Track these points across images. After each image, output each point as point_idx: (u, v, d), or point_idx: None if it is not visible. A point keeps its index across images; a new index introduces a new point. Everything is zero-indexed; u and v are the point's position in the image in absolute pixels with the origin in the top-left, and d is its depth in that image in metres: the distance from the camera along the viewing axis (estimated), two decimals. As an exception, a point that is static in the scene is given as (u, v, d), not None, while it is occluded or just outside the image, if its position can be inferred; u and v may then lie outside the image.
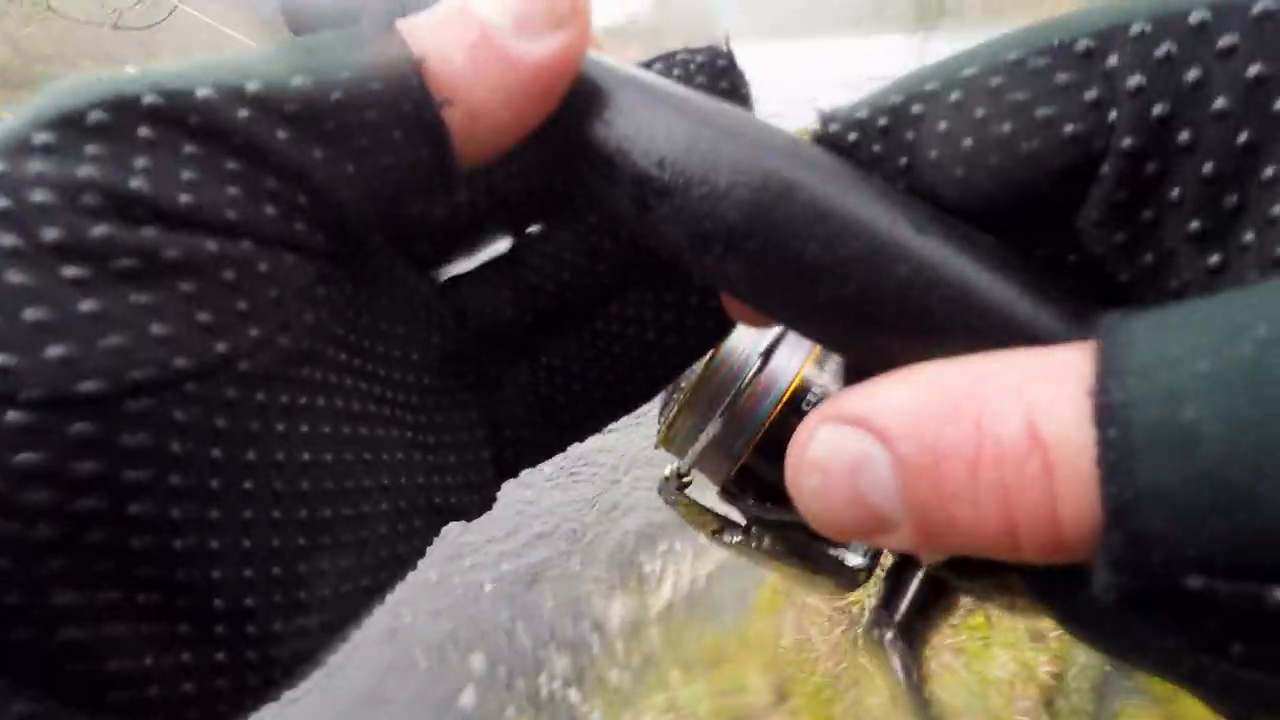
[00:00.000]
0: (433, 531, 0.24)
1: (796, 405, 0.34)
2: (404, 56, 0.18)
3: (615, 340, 0.25)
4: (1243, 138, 0.15)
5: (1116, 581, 0.13)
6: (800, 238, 0.18)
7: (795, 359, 0.34)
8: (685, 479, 0.35)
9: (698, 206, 0.18)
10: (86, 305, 0.15)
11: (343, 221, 0.19)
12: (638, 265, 0.25)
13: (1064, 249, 0.19)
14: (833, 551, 0.34)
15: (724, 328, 0.27)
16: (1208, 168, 0.16)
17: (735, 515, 0.34)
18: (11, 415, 0.14)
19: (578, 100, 0.20)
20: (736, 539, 0.35)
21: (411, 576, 0.24)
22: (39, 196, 0.15)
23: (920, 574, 0.31)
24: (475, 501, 0.25)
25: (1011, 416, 0.14)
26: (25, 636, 0.15)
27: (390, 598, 0.24)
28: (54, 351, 0.14)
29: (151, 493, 0.16)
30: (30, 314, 0.14)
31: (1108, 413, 0.13)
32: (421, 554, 0.24)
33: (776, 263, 0.18)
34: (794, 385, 0.34)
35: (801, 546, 0.35)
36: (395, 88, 0.18)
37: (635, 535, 3.13)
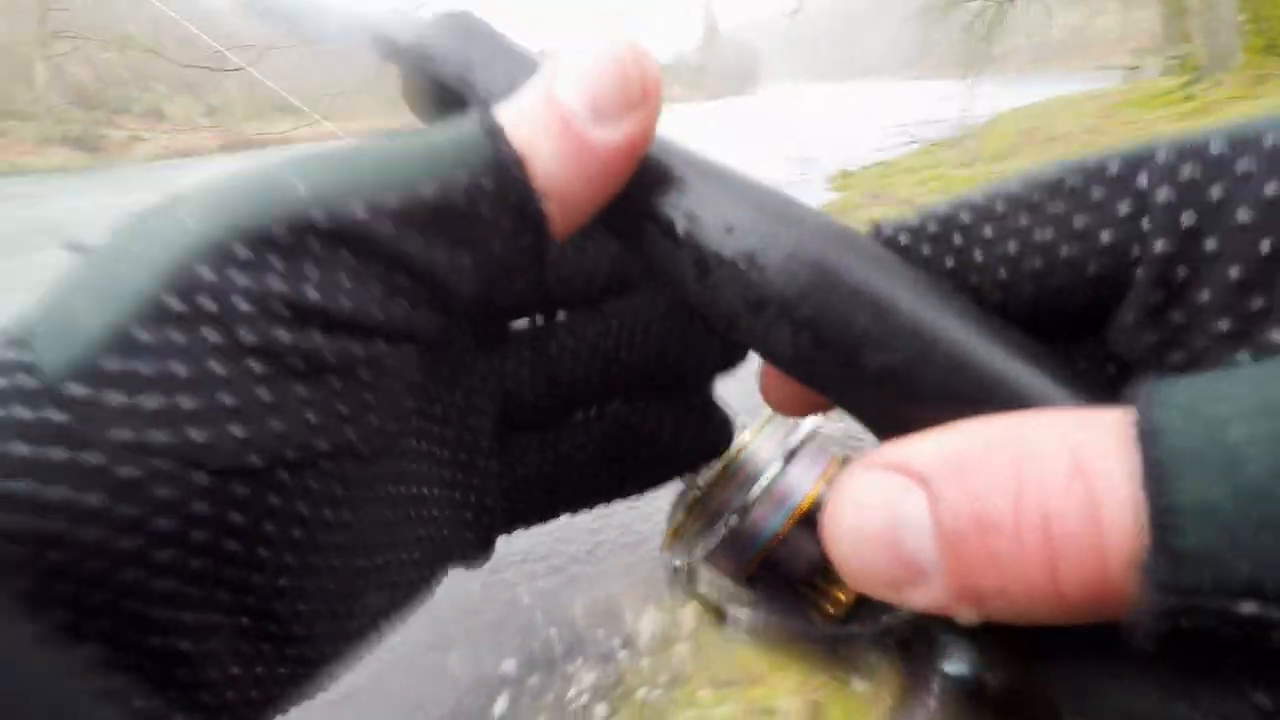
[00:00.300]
0: (444, 574, 0.26)
1: (810, 521, 0.33)
2: (510, 157, 0.20)
3: (622, 433, 0.27)
4: (1265, 247, 0.16)
5: (1163, 607, 0.13)
6: (852, 307, 0.19)
7: (811, 475, 0.33)
8: (693, 575, 0.35)
9: (757, 274, 0.20)
10: (264, 396, 0.18)
11: (453, 308, 0.22)
12: (654, 371, 0.27)
13: (1097, 358, 0.20)
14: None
15: (728, 438, 0.29)
16: (1235, 273, 0.17)
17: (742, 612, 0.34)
18: (198, 477, 0.17)
19: (647, 173, 0.22)
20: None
21: (453, 587, 0.26)
22: (241, 305, 0.18)
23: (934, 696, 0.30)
24: (483, 553, 0.28)
25: (1053, 451, 0.15)
26: (154, 645, 0.18)
27: (431, 609, 0.25)
28: (236, 431, 0.18)
29: (274, 543, 0.19)
30: (222, 399, 0.18)
31: (1150, 437, 0.14)
32: (433, 592, 0.26)
33: (828, 328, 0.19)
34: (811, 499, 0.33)
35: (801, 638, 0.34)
36: (504, 186, 0.20)
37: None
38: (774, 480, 0.33)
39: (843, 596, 0.32)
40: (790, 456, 0.33)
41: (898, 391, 0.19)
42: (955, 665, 0.29)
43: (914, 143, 14.56)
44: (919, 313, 0.19)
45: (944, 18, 12.07)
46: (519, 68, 0.24)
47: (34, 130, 34.81)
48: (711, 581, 0.35)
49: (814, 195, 11.75)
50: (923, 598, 0.16)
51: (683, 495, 0.35)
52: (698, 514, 0.34)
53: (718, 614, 0.36)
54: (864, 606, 0.31)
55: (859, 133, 20.42)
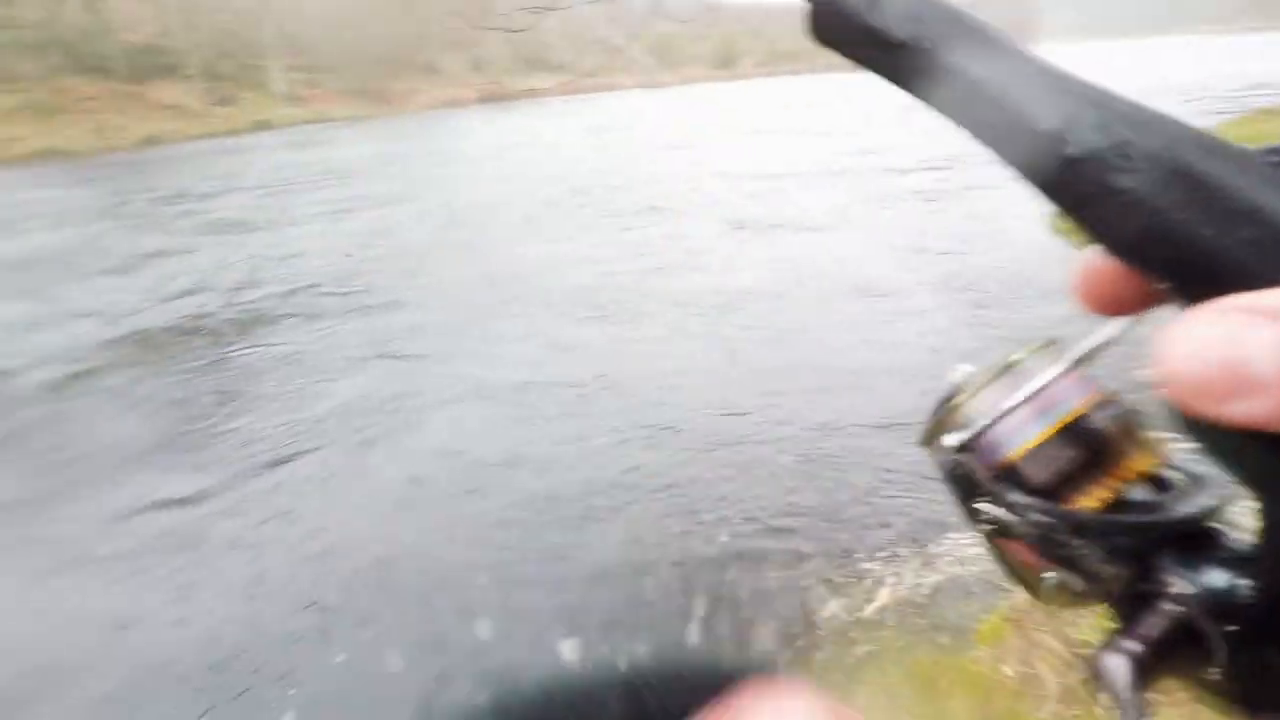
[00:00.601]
0: None
1: (1072, 431, 0.33)
2: None
3: None
4: None
5: None
6: (1205, 195, 0.24)
7: (1080, 391, 0.33)
8: (965, 449, 0.34)
9: (1125, 163, 0.25)
10: None
11: None
12: None
13: None
14: (1048, 576, 0.33)
15: None
16: None
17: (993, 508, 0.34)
18: None
19: None
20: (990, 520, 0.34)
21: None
22: None
23: (1169, 612, 0.29)
24: None
25: None
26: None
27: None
28: None
29: None
30: None
31: None
32: None
33: (1180, 211, 0.24)
34: (1076, 412, 0.33)
35: (1026, 559, 0.33)
36: None
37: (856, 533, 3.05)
38: (1040, 389, 0.33)
39: (1098, 497, 0.32)
40: (1065, 370, 0.34)
41: (1234, 271, 0.23)
42: (1212, 576, 0.29)
43: (1228, 112, 12.26)
44: (1264, 200, 0.23)
45: None
46: (919, 2, 0.30)
47: (338, 82, 40.92)
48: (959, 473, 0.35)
49: None
50: (1251, 408, 0.19)
51: (948, 393, 0.36)
52: (992, 387, 0.35)
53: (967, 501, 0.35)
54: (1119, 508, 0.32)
55: (1154, 96, 17.43)
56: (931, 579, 2.74)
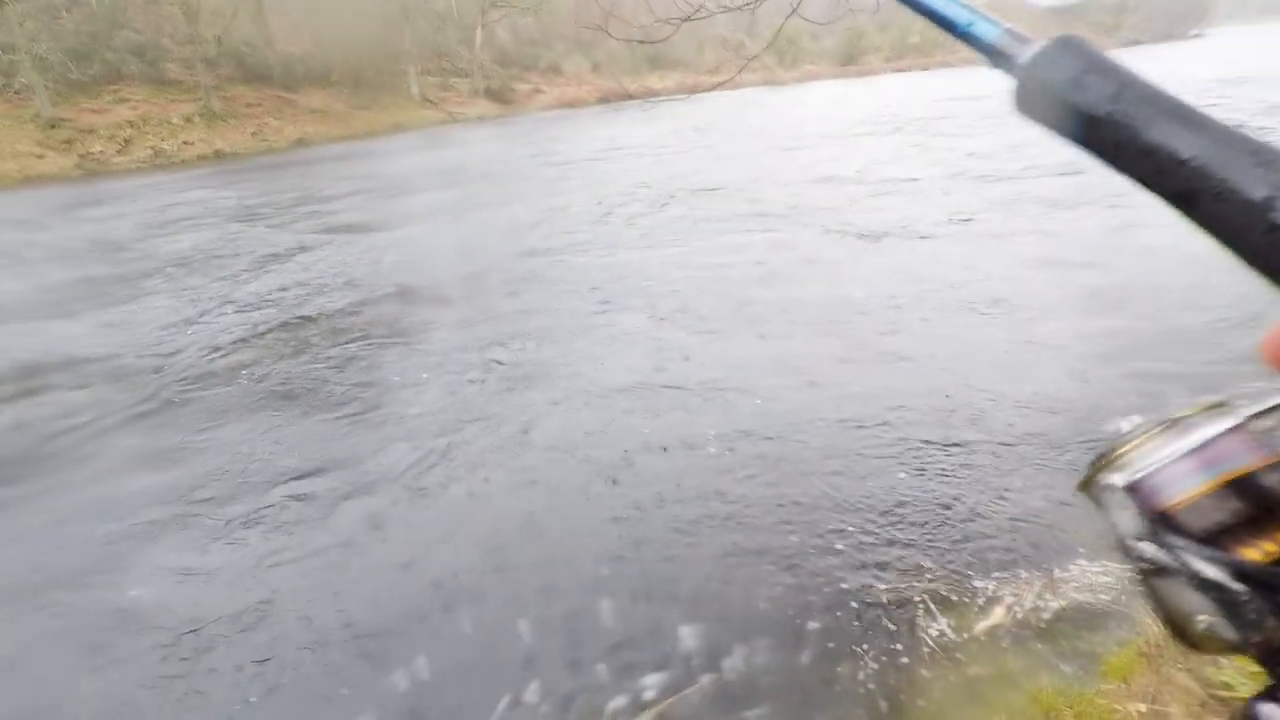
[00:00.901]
0: None
1: (1239, 487, 0.34)
2: None
3: None
4: None
5: None
6: None
7: (1252, 453, 0.34)
8: (1120, 493, 0.35)
9: None
10: None
11: None
12: None
13: None
14: (1205, 620, 0.33)
15: None
16: None
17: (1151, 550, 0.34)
18: None
19: None
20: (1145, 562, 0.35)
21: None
22: None
23: None
24: None
25: None
26: None
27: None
28: None
29: None
30: None
31: None
32: None
33: None
34: (1245, 470, 0.34)
35: (1182, 602, 0.34)
36: None
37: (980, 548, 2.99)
38: (1207, 442, 0.34)
39: (1264, 551, 0.33)
40: (1236, 427, 0.35)
41: None
42: None
43: None
44: None
45: None
46: (1120, 83, 0.33)
47: (468, 85, 42.95)
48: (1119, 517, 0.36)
49: None
50: None
51: (1116, 440, 0.37)
52: (1165, 435, 0.36)
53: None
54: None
55: (1340, 86, 15.39)
56: (1055, 604, 2.66)
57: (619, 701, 2.38)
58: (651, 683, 2.44)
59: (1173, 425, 0.36)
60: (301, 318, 6.91)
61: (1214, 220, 0.31)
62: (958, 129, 15.82)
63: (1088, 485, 0.38)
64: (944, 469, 3.60)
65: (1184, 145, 0.31)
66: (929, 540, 3.09)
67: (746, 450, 3.93)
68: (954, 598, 2.75)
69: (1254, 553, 0.33)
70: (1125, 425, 0.38)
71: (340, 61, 36.74)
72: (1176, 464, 0.35)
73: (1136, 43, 65.71)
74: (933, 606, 2.70)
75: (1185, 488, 0.34)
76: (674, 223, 9.69)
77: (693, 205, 10.65)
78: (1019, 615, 2.64)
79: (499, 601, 2.95)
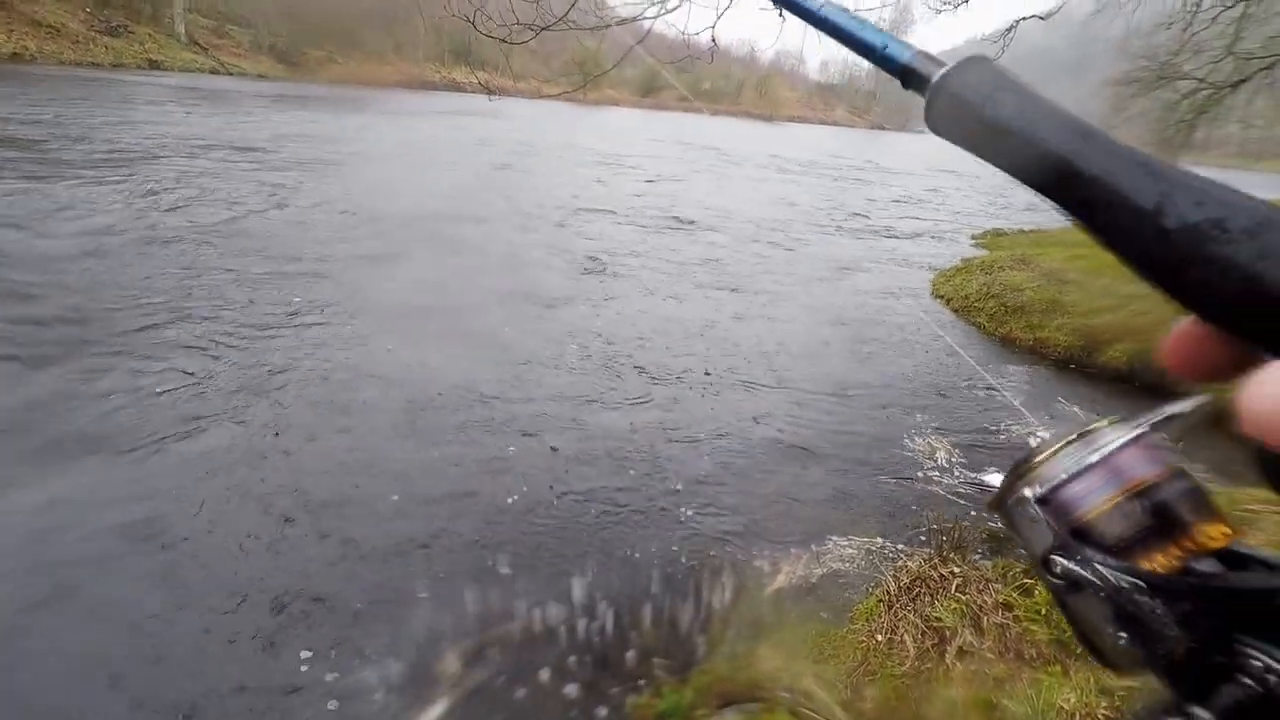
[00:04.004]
0: None
1: (1140, 495, 0.34)
2: None
3: None
4: None
5: None
6: None
7: (1152, 465, 0.35)
8: (1032, 507, 0.36)
9: (1221, 234, 0.29)
10: None
11: None
12: None
13: None
14: (1114, 634, 0.33)
15: None
16: None
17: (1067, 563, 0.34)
18: None
19: None
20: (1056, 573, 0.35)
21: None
22: None
23: (1248, 685, 0.29)
24: None
25: None
26: None
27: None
28: None
29: None
30: None
31: None
32: None
33: (1273, 274, 0.28)
34: (1144, 482, 0.34)
35: (1096, 616, 0.34)
36: None
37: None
38: (1113, 453, 0.35)
39: (1162, 564, 0.34)
40: (1138, 438, 0.35)
41: None
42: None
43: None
44: None
45: (1144, 92, 11.07)
46: (1025, 99, 0.35)
47: (249, 36, 38.33)
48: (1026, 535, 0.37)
49: (960, 248, 11.97)
50: None
51: (1021, 460, 0.37)
52: (1073, 447, 0.36)
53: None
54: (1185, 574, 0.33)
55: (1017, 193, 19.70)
56: (819, 570, 3.27)
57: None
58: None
59: (1080, 438, 0.37)
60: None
61: (1109, 229, 0.32)
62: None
63: (1000, 503, 0.38)
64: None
65: (1082, 157, 0.33)
66: (725, 527, 3.60)
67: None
68: (745, 567, 3.26)
69: (1158, 563, 0.33)
70: (1033, 441, 0.40)
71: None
72: (1084, 477, 0.35)
73: (882, 128, 78.15)
74: (728, 574, 3.19)
75: (1093, 500, 0.35)
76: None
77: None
78: (794, 580, 3.20)
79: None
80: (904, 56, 0.39)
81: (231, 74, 33.71)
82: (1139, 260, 0.31)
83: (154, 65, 31.03)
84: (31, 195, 7.97)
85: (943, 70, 0.37)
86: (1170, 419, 0.36)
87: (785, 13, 0.47)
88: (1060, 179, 0.33)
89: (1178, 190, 0.31)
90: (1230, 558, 0.33)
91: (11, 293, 5.35)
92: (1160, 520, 0.34)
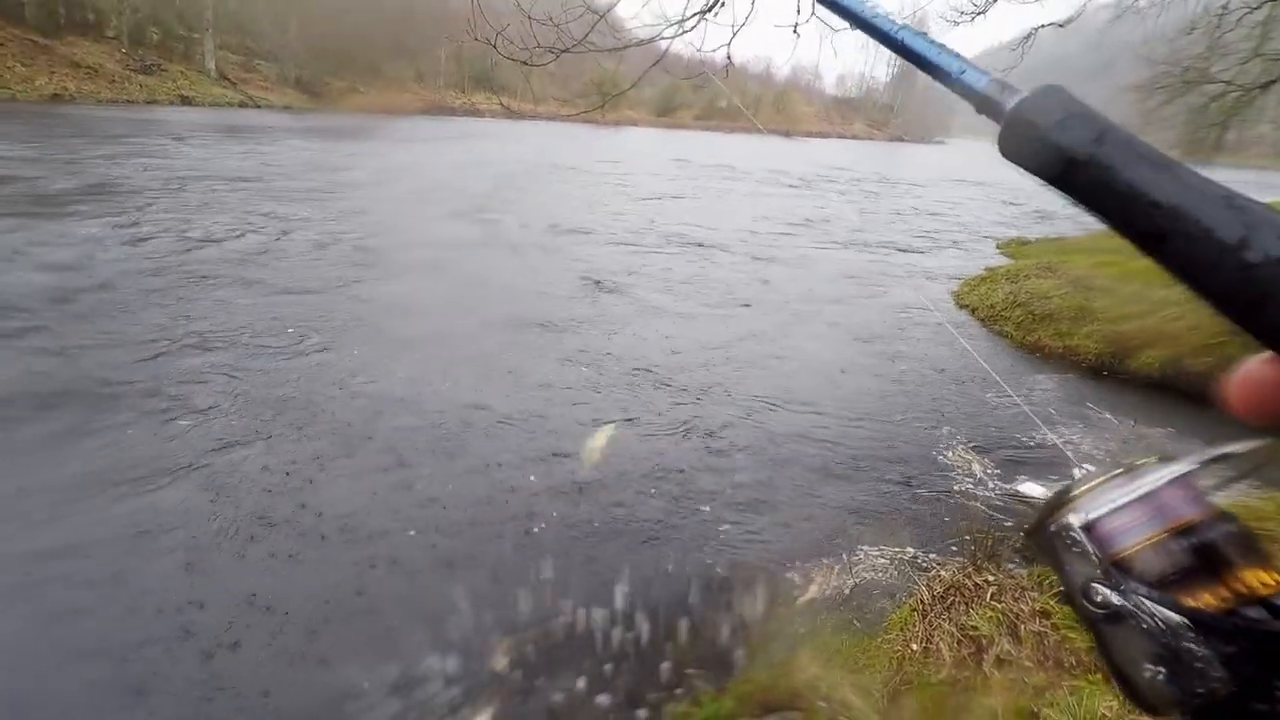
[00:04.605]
0: None
1: (1182, 534, 0.34)
2: None
3: None
4: None
5: None
6: None
7: (1195, 505, 0.35)
8: (1076, 535, 0.35)
9: None
10: None
11: None
12: None
13: None
14: (1153, 670, 0.33)
15: None
16: None
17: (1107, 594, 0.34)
18: None
19: None
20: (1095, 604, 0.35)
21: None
22: None
23: None
24: None
25: None
26: None
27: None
28: None
29: None
30: None
31: None
32: None
33: None
34: (1186, 522, 0.34)
35: (1135, 650, 0.33)
36: None
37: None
38: (1154, 492, 0.35)
39: (1207, 603, 0.33)
40: (1186, 475, 0.35)
41: None
42: None
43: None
44: None
45: (1173, 98, 10.82)
46: (1100, 128, 0.34)
47: (275, 70, 39.44)
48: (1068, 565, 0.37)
49: (984, 257, 11.94)
50: None
51: (1064, 489, 0.37)
52: (1109, 485, 0.36)
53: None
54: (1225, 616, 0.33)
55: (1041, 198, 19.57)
56: (851, 581, 3.27)
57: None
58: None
59: (1125, 473, 0.37)
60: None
61: (1184, 260, 0.32)
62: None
63: (1039, 529, 0.38)
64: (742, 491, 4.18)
65: (1160, 188, 0.32)
66: (760, 541, 3.61)
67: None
68: (779, 579, 3.27)
69: (1205, 603, 0.33)
70: (1077, 473, 0.39)
71: (114, 8, 32.11)
72: (1128, 510, 0.35)
73: (901, 140, 78.21)
74: (762, 586, 3.20)
75: (1138, 535, 0.35)
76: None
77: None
78: (827, 591, 3.20)
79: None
80: (979, 84, 0.39)
81: (260, 106, 34.74)
82: (1218, 294, 0.30)
83: (185, 101, 32.04)
84: (67, 225, 8.27)
85: (1018, 97, 0.36)
86: (1221, 459, 0.36)
87: (866, 35, 0.47)
88: (1133, 210, 0.32)
89: (1263, 224, 0.30)
90: (1277, 606, 0.33)
91: (68, 309, 5.55)
92: (1205, 561, 0.34)
